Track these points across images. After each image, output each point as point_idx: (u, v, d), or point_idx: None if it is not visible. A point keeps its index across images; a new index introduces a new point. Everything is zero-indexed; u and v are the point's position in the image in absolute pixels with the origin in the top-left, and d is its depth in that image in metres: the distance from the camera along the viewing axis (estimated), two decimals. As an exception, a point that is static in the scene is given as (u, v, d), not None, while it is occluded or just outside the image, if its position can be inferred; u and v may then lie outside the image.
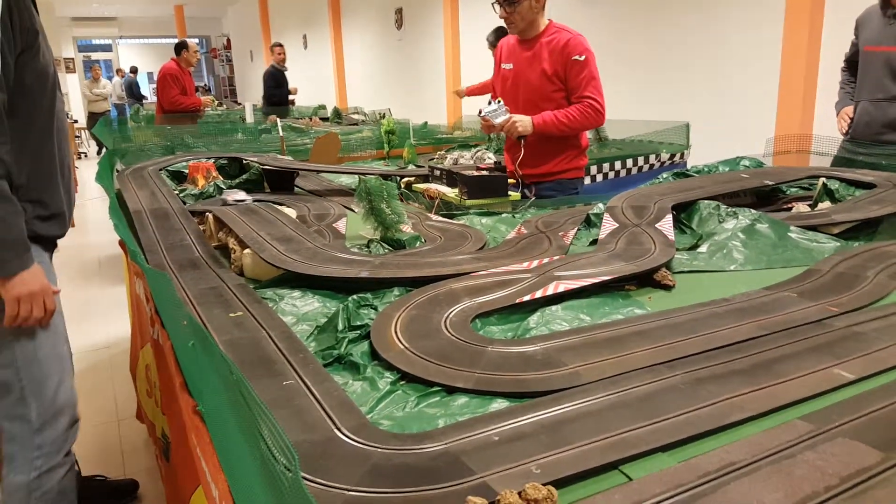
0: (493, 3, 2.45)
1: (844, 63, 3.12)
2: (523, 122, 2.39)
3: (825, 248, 1.61)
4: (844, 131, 2.99)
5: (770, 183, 2.08)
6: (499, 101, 2.42)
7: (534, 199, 2.31)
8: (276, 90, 7.34)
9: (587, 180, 3.04)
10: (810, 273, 1.44)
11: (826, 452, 0.78)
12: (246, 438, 0.58)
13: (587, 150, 2.69)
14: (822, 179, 2.09)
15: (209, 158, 2.84)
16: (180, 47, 6.60)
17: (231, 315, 1.21)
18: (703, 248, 1.60)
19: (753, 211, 1.74)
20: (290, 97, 7.67)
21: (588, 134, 2.76)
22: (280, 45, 7.70)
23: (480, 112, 2.44)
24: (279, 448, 0.54)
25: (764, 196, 2.08)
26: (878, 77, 2.82)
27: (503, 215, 2.07)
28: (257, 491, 0.54)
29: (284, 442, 0.55)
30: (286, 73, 7.58)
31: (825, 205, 1.99)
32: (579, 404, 0.91)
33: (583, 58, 2.40)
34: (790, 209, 2.00)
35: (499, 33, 5.33)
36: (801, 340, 1.10)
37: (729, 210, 1.74)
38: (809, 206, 2.02)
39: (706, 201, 1.82)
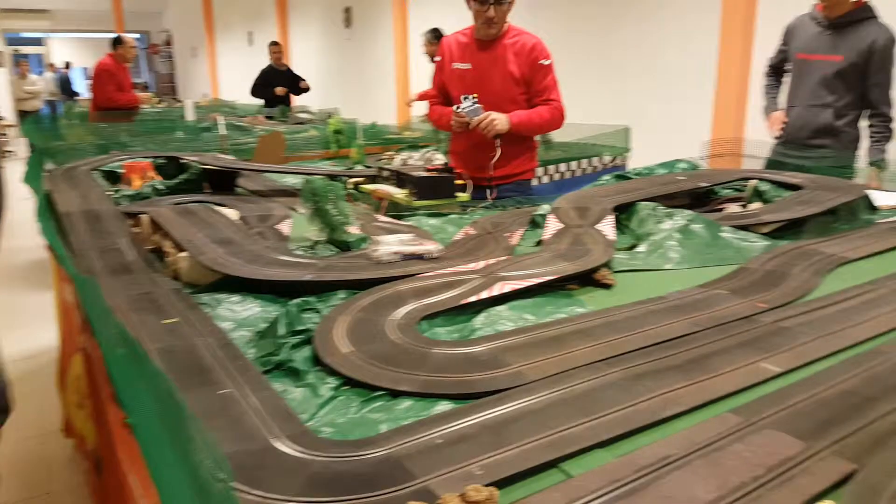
0: (470, 1, 2.41)
1: (769, 68, 3.25)
2: (501, 120, 2.37)
3: (755, 247, 1.68)
4: (777, 135, 3.12)
5: (704, 185, 2.16)
6: (473, 98, 2.37)
7: (480, 198, 2.32)
8: (263, 89, 7.13)
9: (534, 182, 3.08)
10: (741, 271, 1.50)
11: (753, 444, 0.82)
12: (176, 450, 0.57)
13: (537, 151, 2.74)
14: (753, 181, 2.18)
15: (146, 158, 2.74)
16: (116, 42, 6.36)
17: (165, 322, 1.16)
18: (641, 248, 1.65)
19: (688, 212, 1.80)
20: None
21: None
22: (276, 44, 7.45)
23: (456, 108, 2.39)
24: (211, 459, 0.53)
25: (699, 197, 2.16)
26: (811, 84, 2.96)
27: (451, 216, 2.07)
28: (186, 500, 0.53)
29: (215, 452, 0.54)
30: (283, 71, 7.30)
31: (756, 205, 2.08)
32: (522, 403, 0.92)
33: (548, 62, 2.45)
34: (723, 210, 2.08)
35: (436, 33, 5.36)
36: (732, 336, 1.15)
37: (666, 211, 1.80)
38: (741, 206, 2.11)
39: (645, 202, 1.87)
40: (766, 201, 2.09)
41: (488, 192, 2.49)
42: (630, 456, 0.80)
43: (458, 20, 3.00)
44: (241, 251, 1.51)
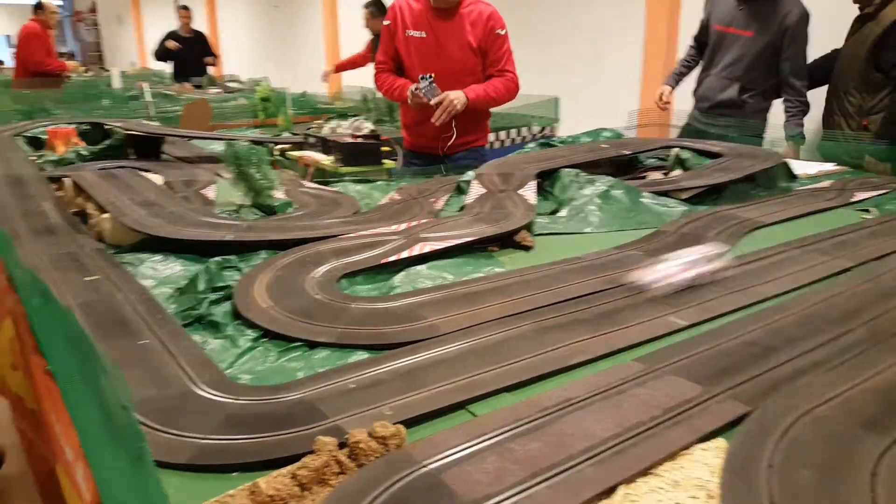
0: None
1: (692, 39, 3.33)
2: (459, 98, 2.34)
3: (674, 212, 1.75)
4: (660, 107, 3.21)
5: (627, 153, 2.24)
6: (429, 77, 2.34)
7: (402, 167, 2.30)
8: (163, 53, 6.81)
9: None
10: (658, 234, 1.57)
11: (653, 388, 0.87)
12: (89, 388, 0.58)
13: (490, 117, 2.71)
14: (676, 150, 2.27)
15: (70, 124, 2.65)
16: (37, 8, 6.04)
17: (86, 279, 1.15)
18: (562, 213, 1.71)
19: (610, 178, 1.87)
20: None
21: None
22: (185, 8, 7.04)
23: (413, 89, 2.35)
24: (118, 393, 0.55)
25: (623, 165, 2.23)
26: (723, 57, 3.05)
27: (378, 183, 2.09)
28: (99, 435, 0.55)
29: (121, 384, 0.55)
30: (188, 37, 6.93)
31: (677, 173, 2.17)
32: (434, 353, 0.96)
33: (503, 31, 2.41)
34: (645, 178, 2.16)
35: (379, 6, 5.21)
36: (642, 293, 1.20)
37: (588, 177, 1.86)
38: (664, 174, 2.20)
39: (568, 169, 1.93)
40: (687, 169, 2.18)
41: (441, 164, 2.43)
42: (533, 398, 0.85)
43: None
44: (163, 213, 1.50)
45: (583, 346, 1.00)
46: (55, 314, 0.70)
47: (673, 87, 3.27)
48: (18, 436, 2.17)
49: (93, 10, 18.49)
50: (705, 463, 0.74)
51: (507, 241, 1.48)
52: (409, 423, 0.79)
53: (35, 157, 2.23)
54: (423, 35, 2.44)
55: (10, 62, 13.47)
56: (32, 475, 2.03)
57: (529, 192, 1.75)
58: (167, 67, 7.43)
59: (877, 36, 2.66)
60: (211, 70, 6.98)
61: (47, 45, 6.09)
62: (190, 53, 6.81)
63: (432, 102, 2.33)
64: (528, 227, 1.53)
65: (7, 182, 1.80)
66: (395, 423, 0.76)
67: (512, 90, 2.49)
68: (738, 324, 1.08)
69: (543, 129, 3.80)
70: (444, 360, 0.94)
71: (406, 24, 2.46)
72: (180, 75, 6.67)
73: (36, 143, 2.58)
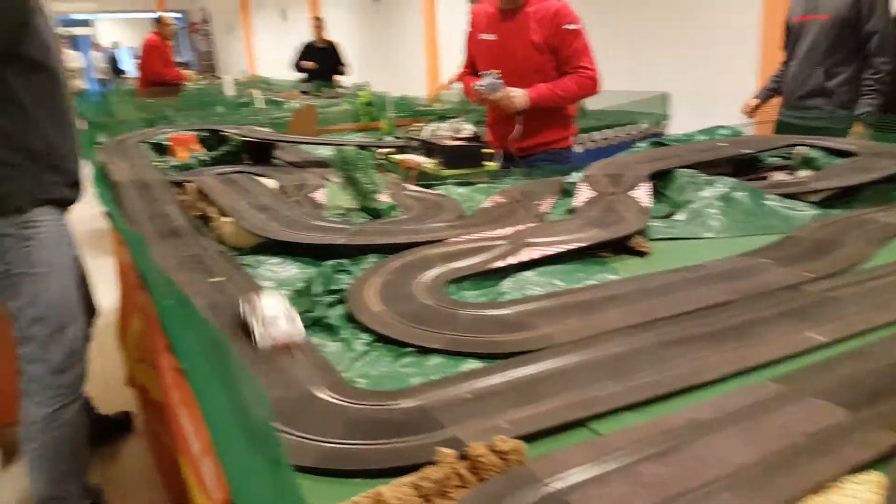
0: None
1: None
2: (519, 96, 2.32)
3: (803, 216, 1.61)
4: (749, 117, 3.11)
5: (748, 152, 2.09)
6: (492, 74, 2.33)
7: (511, 168, 2.29)
8: (299, 63, 7.17)
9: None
10: (788, 240, 1.44)
11: (793, 412, 0.79)
12: (224, 390, 0.60)
13: (574, 118, 2.63)
14: (802, 148, 2.10)
15: (190, 131, 2.82)
16: (157, 21, 6.52)
17: (211, 280, 1.21)
18: (679, 216, 1.62)
19: (731, 179, 1.75)
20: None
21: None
22: (317, 19, 7.41)
23: (474, 86, 2.36)
24: (254, 397, 0.56)
25: (742, 165, 2.09)
26: (804, 45, 2.92)
27: (480, 185, 2.07)
28: (234, 437, 0.56)
29: (256, 390, 0.57)
30: (322, 47, 7.20)
31: (804, 173, 2.00)
32: (550, 365, 0.92)
33: (574, 27, 2.32)
34: (768, 178, 2.01)
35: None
36: (774, 305, 1.10)
37: (706, 178, 1.75)
38: (788, 174, 2.04)
39: (683, 170, 1.82)
40: (815, 169, 2.00)
41: (514, 163, 2.44)
42: (659, 418, 0.79)
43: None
44: (279, 217, 1.56)
45: (710, 363, 0.93)
46: (190, 317, 0.73)
47: (762, 102, 3.17)
48: (144, 425, 2.36)
49: (206, 21, 19.77)
50: (862, 499, 0.67)
51: (620, 246, 1.41)
52: (528, 437, 0.76)
53: (159, 163, 2.38)
54: (494, 38, 2.44)
55: (133, 72, 14.68)
56: (154, 461, 2.19)
57: (643, 193, 1.66)
58: (275, 74, 7.76)
59: None
60: (340, 78, 7.21)
61: (166, 57, 6.51)
62: (324, 63, 7.08)
63: (491, 98, 2.32)
64: (642, 231, 1.46)
65: (135, 186, 1.93)
66: (513, 438, 0.74)
67: (586, 87, 2.38)
68: (885, 342, 0.97)
69: (651, 126, 3.64)
70: (561, 372, 0.90)
71: (480, 28, 2.50)
72: (314, 83, 6.96)
73: (159, 149, 2.75)
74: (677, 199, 1.73)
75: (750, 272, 1.26)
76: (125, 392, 2.41)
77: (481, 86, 2.33)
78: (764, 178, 2.00)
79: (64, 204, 1.75)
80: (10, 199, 1.61)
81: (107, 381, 2.72)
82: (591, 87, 2.39)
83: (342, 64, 7.32)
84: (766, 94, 3.20)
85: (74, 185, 1.77)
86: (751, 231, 1.54)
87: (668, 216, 1.64)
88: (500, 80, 2.32)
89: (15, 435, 2.16)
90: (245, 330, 0.98)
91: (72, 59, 12.95)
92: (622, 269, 1.32)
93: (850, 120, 2.76)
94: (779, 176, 2.02)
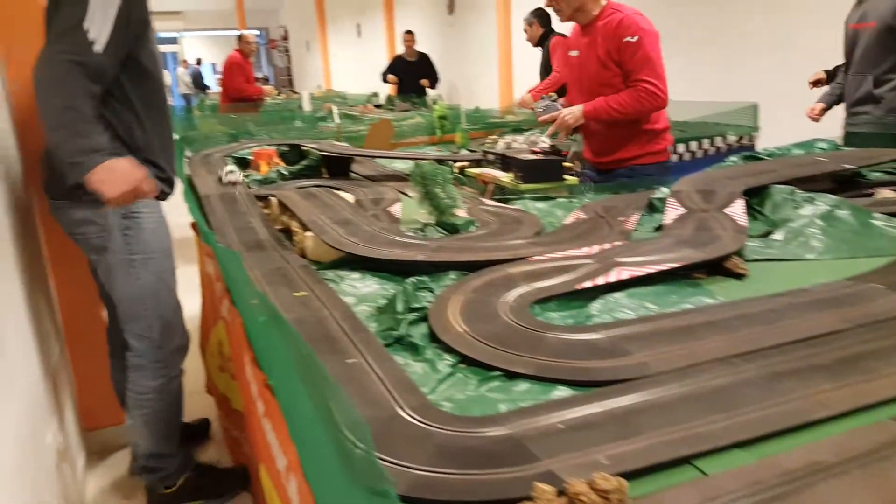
0: None
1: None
2: (573, 113, 2.33)
3: (914, 238, 1.49)
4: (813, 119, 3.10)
5: (850, 167, 1.95)
6: (550, 98, 2.43)
7: (590, 182, 2.24)
8: (387, 75, 7.34)
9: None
10: (899, 264, 1.34)
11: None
12: (317, 412, 0.59)
13: (666, 132, 2.49)
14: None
15: (271, 145, 2.90)
16: (239, 39, 6.79)
17: (296, 294, 1.22)
18: (777, 236, 1.52)
19: (833, 196, 1.63)
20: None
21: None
22: (408, 33, 7.58)
23: (534, 110, 2.45)
24: (348, 422, 0.54)
25: (843, 181, 1.95)
26: (856, 54, 2.92)
27: (559, 200, 2.02)
28: (329, 462, 0.54)
29: (354, 417, 0.55)
30: (412, 60, 7.37)
31: (912, 191, 1.85)
32: (648, 395, 0.87)
33: (635, 38, 2.23)
34: (873, 195, 1.87)
35: (537, 13, 5.10)
36: (890, 336, 1.01)
37: (805, 195, 1.64)
38: (895, 191, 1.89)
39: (780, 186, 1.72)
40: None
41: (604, 177, 2.41)
42: (773, 459, 0.74)
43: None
44: (359, 231, 1.56)
45: (824, 398, 0.85)
46: (283, 337, 0.73)
47: (827, 107, 3.16)
48: (222, 431, 2.41)
49: (285, 38, 20.55)
50: None
51: (715, 267, 1.33)
52: (628, 475, 0.71)
53: (243, 177, 2.44)
54: (576, 54, 2.46)
55: (216, 88, 15.37)
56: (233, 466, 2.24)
57: (738, 211, 1.57)
58: (350, 88, 7.92)
59: None
60: (430, 91, 7.30)
61: (247, 73, 6.76)
62: (413, 75, 7.19)
63: (548, 119, 2.40)
64: (739, 252, 1.37)
65: (223, 200, 1.99)
66: (614, 475, 0.70)
67: (645, 101, 2.25)
68: None
69: (741, 138, 3.48)
70: (661, 404, 0.85)
71: (570, 44, 2.53)
72: (402, 95, 7.09)
73: (242, 163, 2.84)
74: (773, 217, 1.63)
75: (860, 298, 1.16)
76: (205, 399, 2.47)
77: (539, 110, 2.43)
78: (868, 196, 1.86)
79: (160, 196, 1.89)
80: None
81: (188, 388, 2.82)
82: (648, 100, 2.26)
83: (434, 76, 7.39)
84: (831, 100, 3.18)
85: (169, 181, 1.90)
86: (857, 253, 1.43)
87: (764, 235, 1.54)
88: (556, 103, 2.41)
89: (99, 438, 2.38)
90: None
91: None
92: (718, 293, 1.24)
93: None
94: (885, 192, 1.87)
